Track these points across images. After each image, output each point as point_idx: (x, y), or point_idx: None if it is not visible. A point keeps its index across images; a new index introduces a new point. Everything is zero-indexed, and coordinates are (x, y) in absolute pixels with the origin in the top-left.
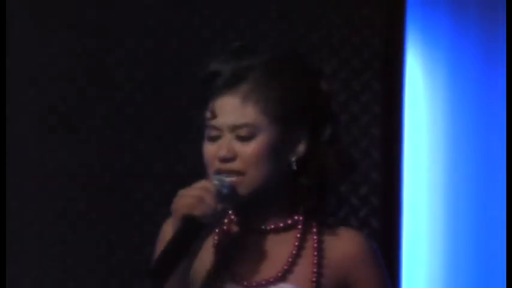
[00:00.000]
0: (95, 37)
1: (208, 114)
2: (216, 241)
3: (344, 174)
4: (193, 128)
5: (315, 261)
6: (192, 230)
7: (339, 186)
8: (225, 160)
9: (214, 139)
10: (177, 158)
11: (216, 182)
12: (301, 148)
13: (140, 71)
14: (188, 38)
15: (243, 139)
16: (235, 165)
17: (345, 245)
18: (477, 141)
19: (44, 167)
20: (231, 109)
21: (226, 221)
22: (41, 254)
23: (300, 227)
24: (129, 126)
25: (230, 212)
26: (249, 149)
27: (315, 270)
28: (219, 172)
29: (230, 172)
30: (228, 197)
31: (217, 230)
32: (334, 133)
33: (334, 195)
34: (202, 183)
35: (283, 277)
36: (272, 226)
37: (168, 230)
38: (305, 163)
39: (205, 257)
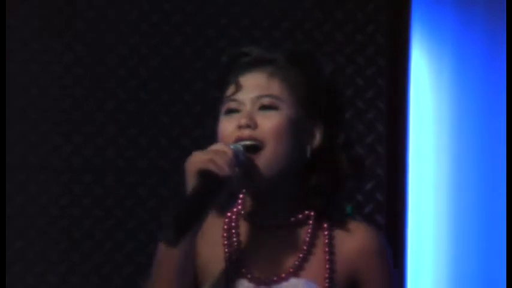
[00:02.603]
0: (96, 36)
1: (230, 90)
2: (225, 235)
3: (354, 179)
4: (198, 124)
5: (327, 258)
6: (209, 185)
7: (347, 187)
8: (245, 127)
9: (233, 112)
10: (182, 154)
11: (233, 148)
12: (316, 141)
13: (143, 69)
14: (192, 37)
15: (266, 108)
16: (255, 133)
17: (356, 239)
18: (483, 136)
19: (46, 164)
20: (257, 84)
21: (235, 210)
22: (44, 252)
23: (310, 222)
24: (132, 123)
25: (241, 200)
26: (270, 120)
27: (327, 266)
28: (237, 141)
29: (250, 139)
30: (244, 165)
31: (225, 226)
32: (348, 138)
33: (343, 196)
34: (217, 145)
35: (294, 273)
36: (283, 221)
37: (163, 249)
38: (317, 161)
39: (216, 253)
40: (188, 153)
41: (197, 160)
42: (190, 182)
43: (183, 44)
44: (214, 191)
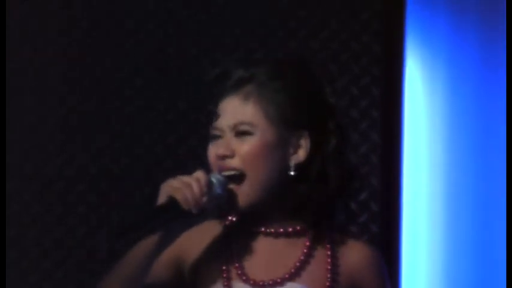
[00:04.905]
0: (95, 39)
1: (213, 117)
2: (223, 240)
3: (346, 187)
4: (193, 132)
5: (329, 267)
6: (170, 210)
7: (343, 198)
8: (223, 157)
9: (215, 139)
10: (176, 163)
11: (212, 180)
12: (301, 154)
13: (140, 77)
14: (187, 44)
15: (242, 135)
16: (233, 162)
17: (354, 255)
18: (477, 145)
19: (43, 171)
20: (233, 109)
21: (232, 218)
22: (39, 260)
23: (309, 233)
24: (127, 130)
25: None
26: (246, 146)
27: (329, 275)
28: (219, 171)
29: (229, 169)
30: (221, 198)
31: (224, 231)
32: (339, 146)
33: (340, 207)
34: (196, 173)
35: (290, 279)
36: (281, 230)
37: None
38: (306, 170)
39: (213, 257)
40: (183, 162)
41: (170, 186)
42: (160, 200)
43: (179, 52)
44: (172, 213)
